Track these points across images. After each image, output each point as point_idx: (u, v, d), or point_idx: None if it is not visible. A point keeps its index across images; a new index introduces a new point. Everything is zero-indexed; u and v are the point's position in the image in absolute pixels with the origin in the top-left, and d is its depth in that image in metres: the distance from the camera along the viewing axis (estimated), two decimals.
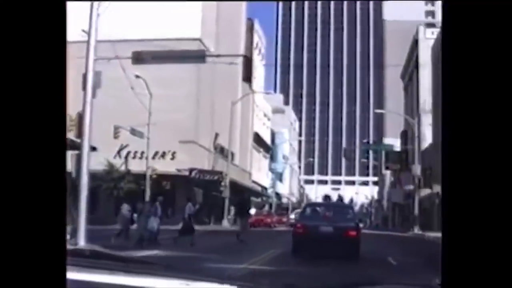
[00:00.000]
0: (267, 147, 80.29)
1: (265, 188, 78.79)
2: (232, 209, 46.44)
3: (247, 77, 65.78)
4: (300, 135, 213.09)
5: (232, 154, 59.09)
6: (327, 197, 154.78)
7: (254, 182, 70.97)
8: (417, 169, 46.78)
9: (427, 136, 60.40)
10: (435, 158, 53.75)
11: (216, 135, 54.11)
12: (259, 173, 75.26)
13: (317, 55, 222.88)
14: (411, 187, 55.03)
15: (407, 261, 18.06)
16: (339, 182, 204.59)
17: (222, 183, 47.26)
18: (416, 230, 46.51)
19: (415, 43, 68.12)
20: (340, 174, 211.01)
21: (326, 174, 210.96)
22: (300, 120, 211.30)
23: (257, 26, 77.42)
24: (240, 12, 68.20)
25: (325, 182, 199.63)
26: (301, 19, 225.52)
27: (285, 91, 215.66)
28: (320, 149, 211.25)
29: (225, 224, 45.50)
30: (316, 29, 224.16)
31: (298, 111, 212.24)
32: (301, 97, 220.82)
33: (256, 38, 75.70)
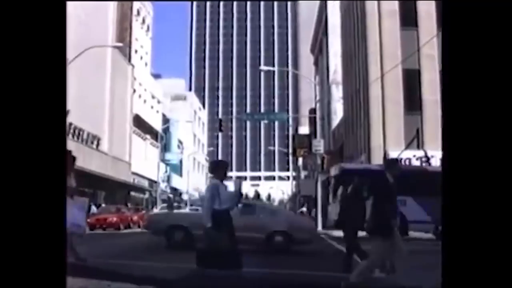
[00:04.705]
0: (155, 134, 67.75)
1: (155, 182, 66.31)
2: None
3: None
4: (220, 128, 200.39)
5: (98, 139, 47.15)
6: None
7: (135, 174, 58.46)
8: (319, 145, 33.93)
9: (338, 111, 49.28)
10: (346, 135, 42.82)
11: (67, 111, 41.64)
12: (145, 164, 62.71)
13: (233, 45, 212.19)
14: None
15: None
16: (258, 178, 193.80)
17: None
18: (320, 229, 34.71)
19: (324, 4, 56.99)
20: (259, 170, 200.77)
21: (245, 170, 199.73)
22: (217, 114, 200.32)
23: None
24: None
25: (244, 178, 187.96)
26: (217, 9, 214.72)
27: (200, 82, 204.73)
28: (238, 144, 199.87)
29: None
30: (232, 18, 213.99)
31: (215, 104, 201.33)
32: (218, 90, 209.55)
33: (137, 4, 63.13)
